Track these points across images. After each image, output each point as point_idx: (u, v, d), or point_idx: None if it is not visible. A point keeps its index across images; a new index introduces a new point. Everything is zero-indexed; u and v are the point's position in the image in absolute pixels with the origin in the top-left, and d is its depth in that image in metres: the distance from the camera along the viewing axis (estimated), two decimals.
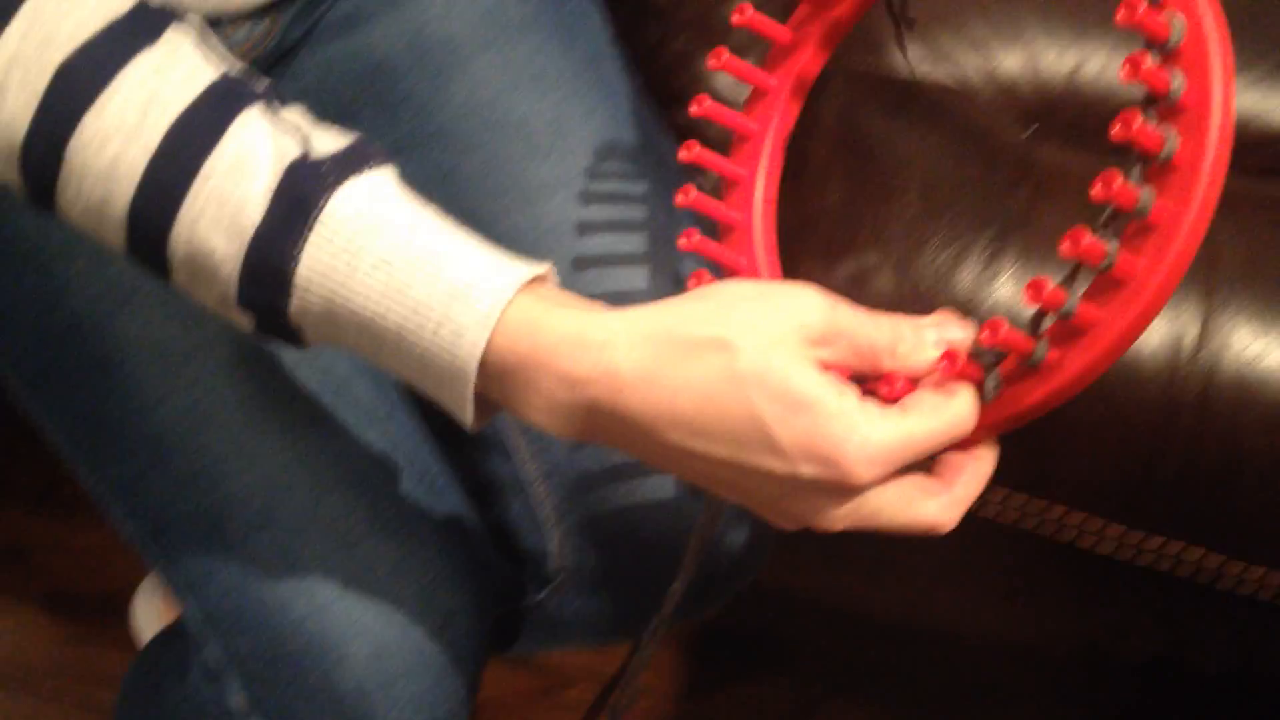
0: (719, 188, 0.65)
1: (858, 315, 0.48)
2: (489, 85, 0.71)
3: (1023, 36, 0.81)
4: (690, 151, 0.60)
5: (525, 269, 0.49)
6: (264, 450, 0.64)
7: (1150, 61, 0.47)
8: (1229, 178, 0.81)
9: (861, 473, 0.45)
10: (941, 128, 0.78)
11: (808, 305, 0.47)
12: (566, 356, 0.47)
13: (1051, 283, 0.46)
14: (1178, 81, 0.47)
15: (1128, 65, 0.46)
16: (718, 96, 0.65)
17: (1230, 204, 0.74)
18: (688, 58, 0.81)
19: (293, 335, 0.52)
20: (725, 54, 0.60)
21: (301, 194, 0.48)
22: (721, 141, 0.66)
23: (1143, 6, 0.47)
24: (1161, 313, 0.70)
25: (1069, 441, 0.72)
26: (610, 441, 0.50)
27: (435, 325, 0.48)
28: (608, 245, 0.69)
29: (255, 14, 0.70)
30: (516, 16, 0.73)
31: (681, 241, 0.59)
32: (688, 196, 0.59)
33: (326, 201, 0.48)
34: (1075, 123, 0.80)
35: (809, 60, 0.64)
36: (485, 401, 0.50)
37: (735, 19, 0.60)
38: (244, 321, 0.51)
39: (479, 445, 0.70)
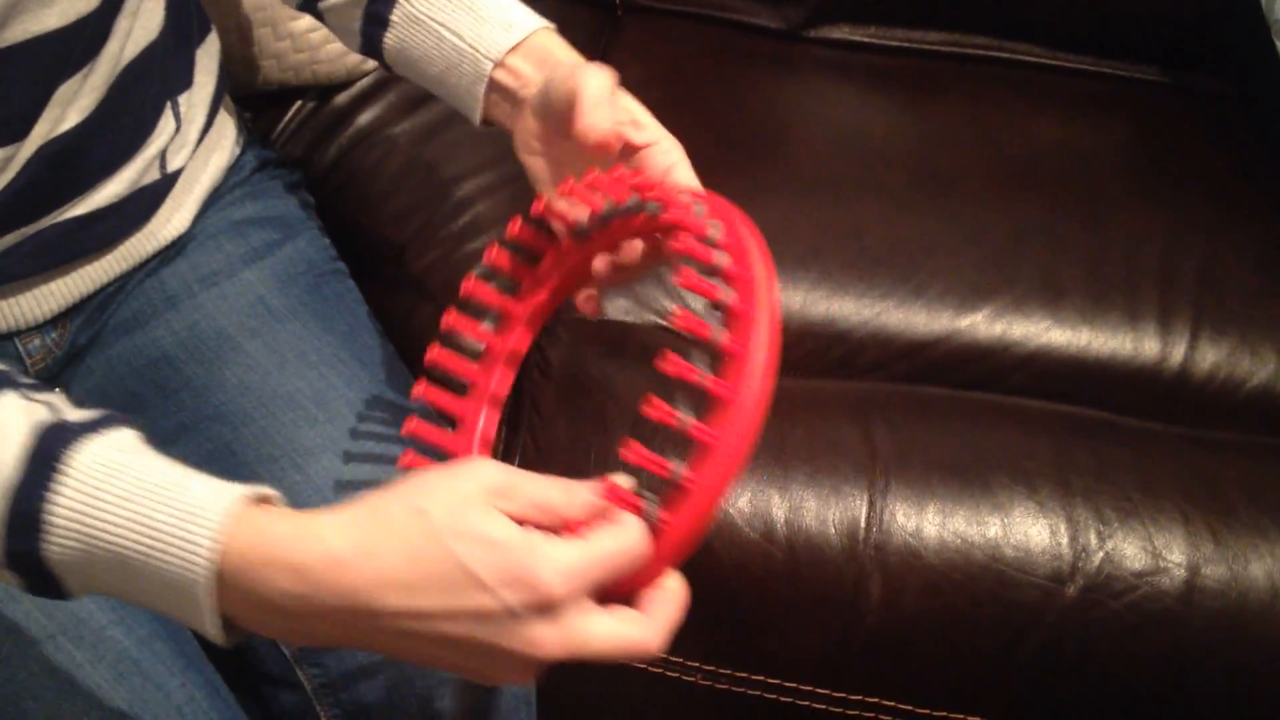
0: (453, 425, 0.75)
1: (532, 476, 0.58)
2: (258, 367, 0.81)
3: None
4: (418, 389, 0.70)
5: (249, 489, 0.56)
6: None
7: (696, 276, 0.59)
8: (882, 384, 0.96)
9: (557, 585, 0.52)
10: (649, 364, 0.91)
11: (485, 469, 0.57)
12: (290, 549, 0.54)
13: (666, 405, 0.56)
14: (726, 292, 0.59)
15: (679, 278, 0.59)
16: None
17: (883, 404, 0.89)
18: (436, 324, 0.93)
19: (58, 585, 0.58)
20: (454, 313, 0.71)
21: (50, 450, 0.56)
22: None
23: (691, 238, 0.60)
24: (836, 500, 0.84)
25: (773, 624, 0.83)
26: (339, 631, 0.56)
27: (176, 545, 0.55)
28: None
29: (47, 324, 0.80)
30: (279, 306, 0.84)
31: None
32: (409, 426, 0.69)
33: (72, 453, 0.56)
34: None
35: (520, 336, 0.75)
36: (231, 623, 0.57)
37: (463, 288, 0.72)
38: (14, 581, 0.58)
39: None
